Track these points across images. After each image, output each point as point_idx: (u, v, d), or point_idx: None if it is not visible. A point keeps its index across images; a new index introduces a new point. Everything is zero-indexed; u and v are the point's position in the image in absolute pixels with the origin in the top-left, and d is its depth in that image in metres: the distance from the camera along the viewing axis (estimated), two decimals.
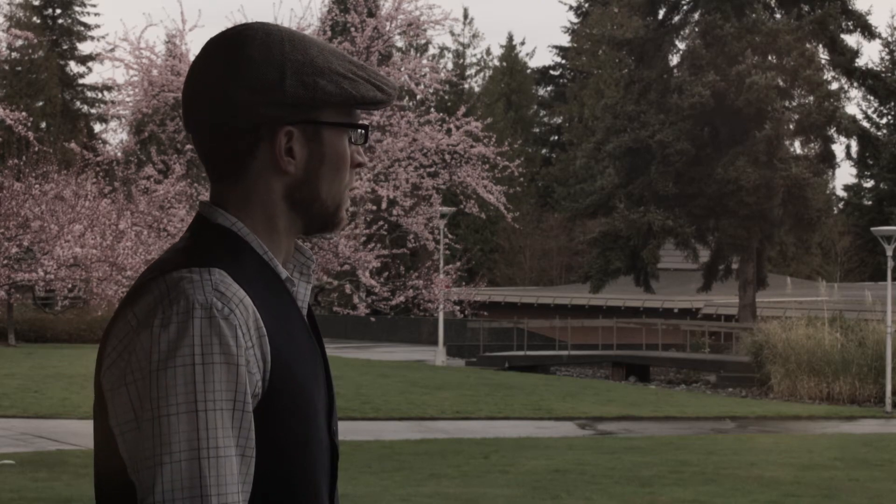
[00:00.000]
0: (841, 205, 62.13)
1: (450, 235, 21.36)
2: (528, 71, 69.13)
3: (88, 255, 14.85)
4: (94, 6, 61.64)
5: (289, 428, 1.63)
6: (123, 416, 1.56)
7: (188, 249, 1.66)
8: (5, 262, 14.62)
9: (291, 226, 1.73)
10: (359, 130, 1.74)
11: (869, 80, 38.74)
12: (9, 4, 56.54)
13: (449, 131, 16.89)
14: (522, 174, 20.98)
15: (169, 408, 1.53)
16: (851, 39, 37.95)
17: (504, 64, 68.38)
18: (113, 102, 18.52)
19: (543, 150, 67.97)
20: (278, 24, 1.74)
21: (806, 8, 36.98)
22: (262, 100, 1.66)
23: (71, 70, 61.19)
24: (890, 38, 58.75)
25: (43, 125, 51.50)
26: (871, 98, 41.14)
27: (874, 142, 40.01)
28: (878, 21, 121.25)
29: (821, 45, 37.11)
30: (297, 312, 1.71)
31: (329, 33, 17.04)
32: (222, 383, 1.55)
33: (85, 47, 60.99)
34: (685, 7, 38.74)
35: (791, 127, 36.00)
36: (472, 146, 17.06)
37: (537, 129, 69.23)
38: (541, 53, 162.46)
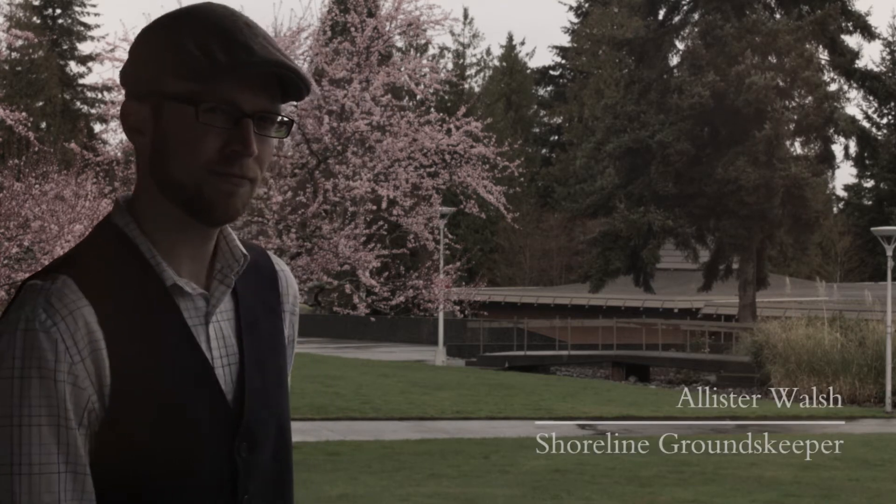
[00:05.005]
0: (841, 205, 62.13)
1: (450, 235, 21.30)
2: (528, 71, 69.13)
3: None
4: (94, 6, 61.66)
5: (139, 443, 1.56)
6: None
7: (70, 251, 1.64)
8: (5, 262, 14.60)
9: (170, 212, 1.64)
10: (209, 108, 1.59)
11: (868, 82, 38.76)
12: (9, 4, 56.54)
13: (449, 131, 16.88)
14: (522, 174, 20.94)
15: None
16: (851, 40, 38.13)
17: (504, 64, 68.37)
18: (113, 102, 18.51)
19: (543, 150, 67.96)
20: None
21: (806, 8, 36.99)
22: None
23: (71, 70, 61.17)
24: (891, 38, 58.75)
25: (43, 125, 51.49)
26: (871, 98, 41.14)
27: (873, 142, 40.03)
28: (879, 21, 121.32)
29: (820, 46, 37.12)
30: (178, 322, 1.62)
31: (329, 33, 17.02)
32: (38, 398, 1.51)
33: (85, 47, 61.04)
34: (685, 7, 38.75)
35: (790, 127, 36.01)
36: (472, 146, 17.04)
37: (537, 129, 69.22)
38: (541, 53, 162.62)
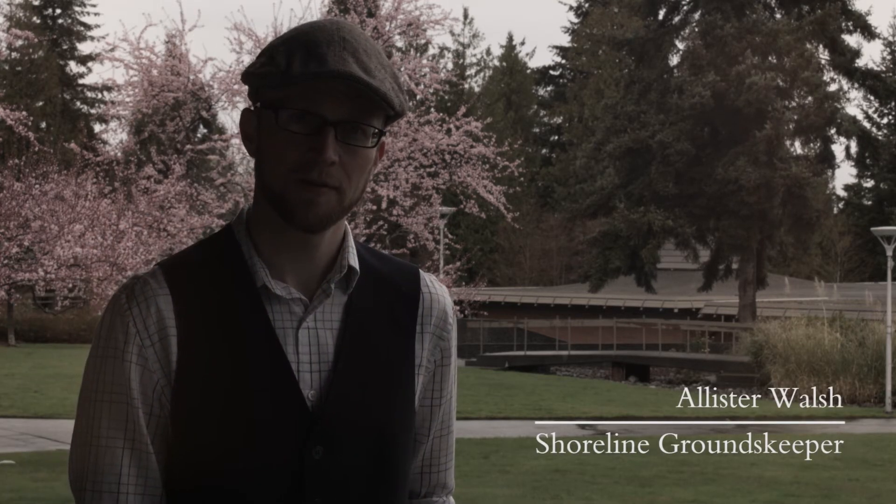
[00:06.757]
0: (841, 205, 62.10)
1: (450, 235, 21.31)
2: (528, 71, 69.10)
3: (89, 255, 14.83)
4: (94, 6, 61.60)
5: (200, 432, 1.60)
6: None
7: (186, 248, 1.73)
8: (5, 262, 14.60)
9: (271, 216, 1.67)
10: (287, 113, 1.64)
11: (869, 81, 38.75)
12: (9, 4, 56.53)
13: (449, 131, 16.89)
14: (522, 174, 21.00)
15: (80, 395, 1.65)
16: (852, 40, 38.21)
17: (504, 64, 68.34)
18: (113, 102, 18.52)
19: (543, 150, 67.94)
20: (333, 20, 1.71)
21: (806, 8, 36.99)
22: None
23: (71, 70, 61.13)
24: (891, 38, 58.75)
25: (43, 125, 51.45)
26: (872, 98, 41.15)
27: (874, 142, 40.02)
28: (880, 21, 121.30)
29: (821, 46, 37.13)
30: (260, 322, 1.64)
31: None
32: (111, 376, 1.61)
33: (85, 47, 60.96)
34: (685, 7, 38.75)
35: (791, 127, 36.02)
36: (472, 146, 17.05)
37: (537, 129, 69.19)
38: (541, 53, 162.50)
